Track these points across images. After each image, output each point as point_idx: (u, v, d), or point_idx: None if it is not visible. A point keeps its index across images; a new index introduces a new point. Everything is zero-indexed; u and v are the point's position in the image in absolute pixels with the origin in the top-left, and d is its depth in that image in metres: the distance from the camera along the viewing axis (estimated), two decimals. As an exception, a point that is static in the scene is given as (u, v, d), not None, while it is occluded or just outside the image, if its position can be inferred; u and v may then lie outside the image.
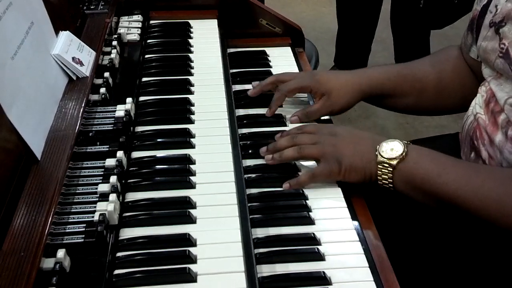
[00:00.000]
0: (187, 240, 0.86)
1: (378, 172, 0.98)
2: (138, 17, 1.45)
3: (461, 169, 0.96)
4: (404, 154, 0.97)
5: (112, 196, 0.88)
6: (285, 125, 1.19)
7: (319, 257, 0.88)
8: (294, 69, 1.40)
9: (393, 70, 1.25)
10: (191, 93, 1.22)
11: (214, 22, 1.49)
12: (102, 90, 1.11)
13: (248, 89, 1.28)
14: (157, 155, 1.04)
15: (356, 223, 0.96)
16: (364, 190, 1.03)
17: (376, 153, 0.98)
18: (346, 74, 1.22)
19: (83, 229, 0.83)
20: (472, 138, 1.12)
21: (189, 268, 0.81)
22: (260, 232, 0.93)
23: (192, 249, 0.85)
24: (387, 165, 0.97)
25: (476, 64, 1.17)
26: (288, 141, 1.06)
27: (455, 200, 0.94)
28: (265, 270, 0.86)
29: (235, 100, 1.23)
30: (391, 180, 0.98)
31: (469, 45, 1.18)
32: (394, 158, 0.97)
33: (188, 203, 0.93)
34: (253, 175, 1.04)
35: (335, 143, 1.02)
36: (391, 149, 0.98)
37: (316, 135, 1.05)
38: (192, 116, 1.14)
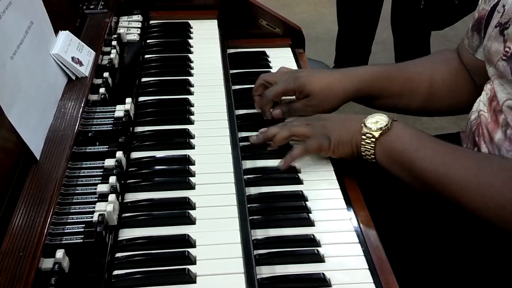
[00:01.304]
0: (187, 241, 0.86)
1: (362, 143, 1.02)
2: (138, 17, 1.45)
3: (439, 146, 0.98)
4: (387, 127, 1.01)
5: (111, 197, 0.88)
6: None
7: (319, 258, 0.88)
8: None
9: (382, 70, 1.25)
10: (191, 93, 1.22)
11: (214, 23, 1.48)
12: (102, 90, 1.11)
13: (248, 88, 1.29)
14: (157, 156, 1.04)
15: (356, 224, 0.96)
16: (364, 191, 1.03)
17: (362, 125, 1.02)
18: (331, 75, 1.22)
19: (82, 229, 0.83)
20: (474, 134, 1.12)
21: (188, 269, 0.81)
22: (259, 234, 0.93)
23: (191, 250, 0.85)
24: (370, 136, 1.01)
25: (479, 66, 1.16)
26: (280, 128, 1.09)
27: (427, 175, 0.96)
28: (265, 271, 0.86)
29: (235, 101, 1.23)
30: (373, 151, 1.01)
31: (476, 46, 1.17)
32: (377, 130, 1.01)
33: (187, 204, 0.93)
34: (253, 176, 1.04)
35: (324, 124, 1.07)
36: (376, 121, 1.02)
37: (306, 121, 1.09)
38: (191, 116, 1.14)
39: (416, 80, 1.23)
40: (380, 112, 1.04)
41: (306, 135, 1.06)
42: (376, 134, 1.01)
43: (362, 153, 1.03)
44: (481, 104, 1.12)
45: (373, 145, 1.01)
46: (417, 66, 1.26)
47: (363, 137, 1.02)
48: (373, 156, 1.02)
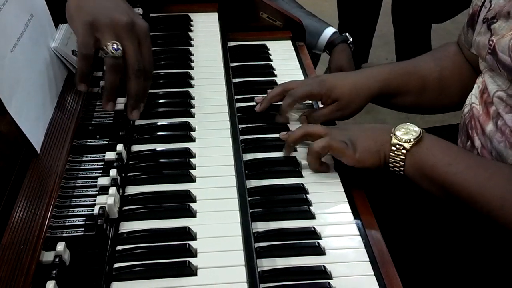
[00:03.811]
0: (187, 234, 0.86)
1: (391, 154, 0.98)
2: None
3: (471, 161, 0.96)
4: (419, 137, 0.96)
5: (112, 190, 0.88)
6: (287, 121, 1.18)
7: (320, 251, 0.88)
8: (295, 62, 1.40)
9: (398, 68, 1.24)
10: (191, 86, 1.21)
11: (215, 15, 1.48)
12: (102, 83, 1.11)
13: (248, 81, 1.28)
14: (157, 149, 1.03)
15: (356, 217, 0.96)
16: (364, 184, 1.03)
17: (391, 135, 0.98)
18: (353, 77, 1.20)
19: (83, 222, 0.83)
20: (468, 127, 1.13)
21: (189, 262, 0.81)
22: (260, 226, 0.93)
23: (192, 243, 0.85)
24: (400, 147, 0.97)
25: (476, 60, 1.16)
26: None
27: (461, 192, 0.93)
28: (266, 264, 0.86)
29: (235, 93, 1.22)
30: (402, 163, 0.97)
31: (471, 41, 1.17)
32: (409, 140, 0.97)
33: (188, 196, 0.93)
34: (254, 169, 1.04)
35: (346, 133, 1.02)
36: (406, 132, 0.98)
37: (326, 131, 1.04)
38: (192, 109, 1.14)
39: (429, 77, 1.22)
40: (409, 122, 1.00)
41: (320, 135, 1.03)
42: (407, 145, 0.96)
43: (390, 164, 0.99)
44: (473, 97, 1.13)
45: (403, 157, 0.97)
46: (427, 62, 1.25)
47: (393, 148, 0.97)
48: (402, 168, 0.98)
